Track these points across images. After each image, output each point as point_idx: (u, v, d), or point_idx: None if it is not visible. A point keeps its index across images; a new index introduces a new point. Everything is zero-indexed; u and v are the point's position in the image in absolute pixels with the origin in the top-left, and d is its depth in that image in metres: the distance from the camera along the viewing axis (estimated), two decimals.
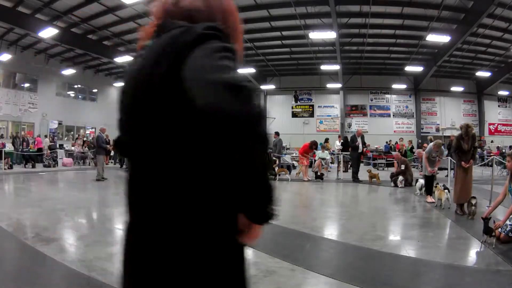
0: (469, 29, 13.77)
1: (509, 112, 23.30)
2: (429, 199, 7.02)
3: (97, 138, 11.09)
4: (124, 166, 14.46)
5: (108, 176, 10.54)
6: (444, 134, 22.06)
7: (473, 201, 5.49)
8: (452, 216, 5.76)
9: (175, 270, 0.82)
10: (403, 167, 9.85)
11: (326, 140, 14.88)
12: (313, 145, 11.70)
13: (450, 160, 10.00)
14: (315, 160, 12.25)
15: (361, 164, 12.88)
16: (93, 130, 23.78)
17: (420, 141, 20.94)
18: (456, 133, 7.52)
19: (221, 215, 0.85)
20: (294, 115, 24.76)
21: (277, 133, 13.63)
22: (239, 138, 0.73)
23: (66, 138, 22.01)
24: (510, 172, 4.55)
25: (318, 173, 11.42)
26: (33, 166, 14.21)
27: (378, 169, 14.87)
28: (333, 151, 15.49)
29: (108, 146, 11.17)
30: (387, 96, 23.65)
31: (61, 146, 18.81)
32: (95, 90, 24.93)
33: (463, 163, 5.90)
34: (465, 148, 5.93)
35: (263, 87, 23.90)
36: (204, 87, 0.73)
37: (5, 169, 12.90)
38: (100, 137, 10.86)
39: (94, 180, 10.12)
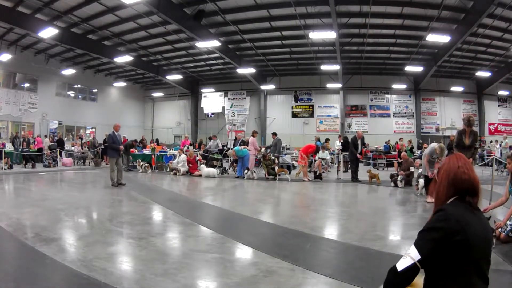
0: (469, 29, 13.76)
1: (509, 112, 23.27)
2: (429, 199, 7.02)
3: (107, 138, 9.72)
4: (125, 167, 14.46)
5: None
6: (444, 134, 22.06)
7: None
8: None
9: None
10: (412, 169, 9.75)
11: (326, 140, 14.87)
12: (318, 149, 12.10)
13: None
14: (315, 160, 12.26)
15: (361, 164, 12.90)
16: (93, 130, 23.81)
17: (420, 141, 20.93)
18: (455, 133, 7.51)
19: None
20: (294, 115, 24.75)
21: (274, 134, 13.68)
22: None
23: (66, 138, 21.99)
24: (511, 173, 4.55)
25: (318, 173, 11.44)
26: (33, 166, 14.21)
27: (378, 169, 14.87)
28: (333, 151, 15.49)
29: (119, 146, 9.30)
30: (387, 96, 23.63)
31: (62, 148, 18.76)
32: (95, 90, 24.96)
33: None
34: (466, 143, 5.90)
35: (263, 87, 23.90)
36: None
37: (5, 169, 12.91)
38: (111, 136, 9.28)
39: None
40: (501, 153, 15.08)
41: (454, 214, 1.42)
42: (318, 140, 15.06)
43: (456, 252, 1.37)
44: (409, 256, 1.40)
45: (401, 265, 1.40)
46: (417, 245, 1.42)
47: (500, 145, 16.16)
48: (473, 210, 1.47)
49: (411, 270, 1.39)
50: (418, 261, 1.38)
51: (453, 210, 1.44)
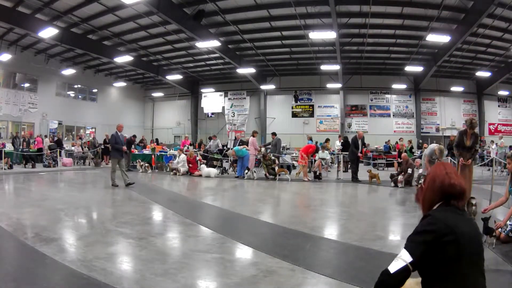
0: (469, 29, 13.76)
1: (509, 112, 23.27)
2: None
3: (110, 138, 9.54)
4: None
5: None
6: (444, 134, 22.06)
7: (473, 201, 5.49)
8: None
9: None
10: (410, 171, 9.72)
11: (326, 140, 14.88)
12: (318, 149, 12.09)
13: (450, 160, 10.02)
14: (315, 160, 12.26)
15: (361, 164, 12.90)
16: (93, 130, 23.81)
17: (420, 141, 20.94)
18: (456, 133, 7.53)
19: None
20: (294, 115, 24.75)
21: (274, 134, 13.71)
22: None
23: (66, 138, 22.01)
24: (511, 173, 4.55)
25: (317, 173, 11.43)
26: (33, 166, 14.21)
27: (378, 169, 14.87)
28: (333, 151, 15.49)
29: (122, 146, 9.13)
30: (387, 96, 23.63)
31: (61, 147, 18.75)
32: (95, 90, 24.96)
33: (461, 159, 5.90)
34: (466, 144, 5.92)
35: (263, 87, 23.89)
36: None
37: (5, 169, 12.91)
38: (114, 136, 9.08)
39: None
40: (496, 153, 15.07)
41: (442, 217, 1.48)
42: (310, 139, 15.13)
43: (447, 252, 1.42)
44: (401, 258, 1.45)
45: (393, 268, 1.44)
46: (408, 248, 1.46)
47: (496, 144, 16.15)
48: (459, 211, 1.53)
49: (404, 272, 1.43)
50: (410, 263, 1.43)
51: (440, 215, 1.51)
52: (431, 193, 1.59)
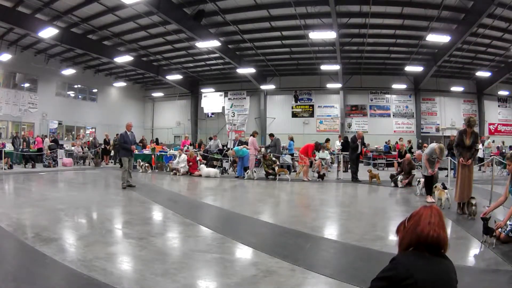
0: (469, 29, 13.77)
1: (509, 112, 23.28)
2: (429, 199, 7.02)
3: (119, 137, 9.44)
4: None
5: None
6: (444, 134, 22.06)
7: (473, 201, 5.49)
8: (452, 216, 5.76)
9: None
10: (413, 172, 9.70)
11: (327, 140, 14.89)
12: (318, 147, 11.98)
13: (450, 160, 10.02)
14: (315, 160, 12.25)
15: (361, 164, 12.91)
16: (93, 130, 23.83)
17: (420, 141, 20.93)
18: (456, 133, 7.52)
19: None
20: (294, 115, 24.76)
21: (272, 135, 13.70)
22: None
23: (66, 138, 22.01)
24: (511, 174, 4.55)
25: (320, 173, 11.43)
26: (33, 166, 14.20)
27: (378, 169, 14.86)
28: (333, 151, 15.48)
29: (131, 146, 9.04)
30: (387, 96, 23.64)
31: (61, 146, 18.77)
32: (95, 90, 24.97)
33: (461, 159, 5.90)
34: (466, 143, 5.91)
35: (263, 87, 23.89)
36: None
37: (5, 169, 12.90)
38: (123, 136, 8.95)
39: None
40: (484, 153, 15.03)
41: (405, 262, 1.50)
42: (291, 139, 15.16)
43: None
44: None
45: None
46: None
47: (483, 144, 16.09)
48: (432, 257, 1.51)
49: None
50: None
51: (404, 259, 1.53)
52: (409, 237, 1.60)
